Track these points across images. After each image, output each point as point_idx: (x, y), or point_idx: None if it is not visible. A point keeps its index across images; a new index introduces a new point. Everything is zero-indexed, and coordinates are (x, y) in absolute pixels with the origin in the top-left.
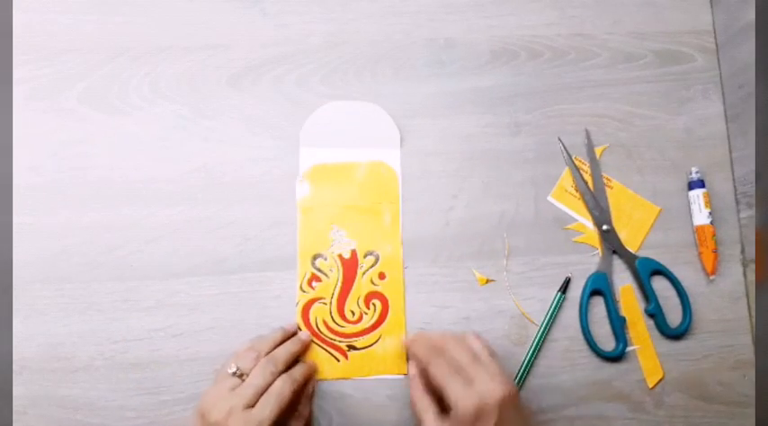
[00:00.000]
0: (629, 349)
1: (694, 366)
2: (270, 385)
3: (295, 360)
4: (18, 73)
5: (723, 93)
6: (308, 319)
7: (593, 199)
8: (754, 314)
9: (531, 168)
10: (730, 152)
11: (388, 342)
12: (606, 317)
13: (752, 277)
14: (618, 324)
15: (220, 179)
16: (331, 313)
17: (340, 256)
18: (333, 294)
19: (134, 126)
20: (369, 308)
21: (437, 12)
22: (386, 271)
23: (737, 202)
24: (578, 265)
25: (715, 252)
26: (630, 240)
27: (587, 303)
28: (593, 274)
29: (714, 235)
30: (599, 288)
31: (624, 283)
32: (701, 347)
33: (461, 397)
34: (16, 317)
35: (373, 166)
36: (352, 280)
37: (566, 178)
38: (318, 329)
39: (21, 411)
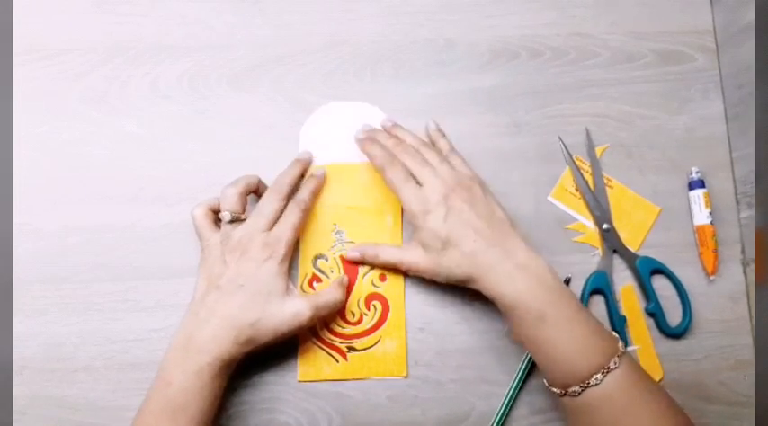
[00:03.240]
0: (629, 348)
1: (694, 366)
2: (281, 210)
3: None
4: (18, 73)
5: (723, 93)
6: None
7: (594, 198)
8: (754, 314)
9: (532, 168)
10: (730, 152)
11: (389, 344)
12: (606, 317)
13: (752, 277)
14: (618, 324)
15: (220, 179)
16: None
17: (341, 257)
18: None
19: (134, 126)
20: (369, 310)
21: (437, 12)
22: (387, 273)
23: (738, 202)
24: (579, 265)
25: (715, 252)
26: (631, 240)
27: (587, 302)
28: (593, 274)
29: (714, 235)
30: (599, 287)
31: (624, 283)
32: (701, 347)
33: (408, 201)
34: (16, 317)
35: (374, 167)
36: (353, 281)
37: (566, 178)
38: (318, 330)
39: (21, 411)
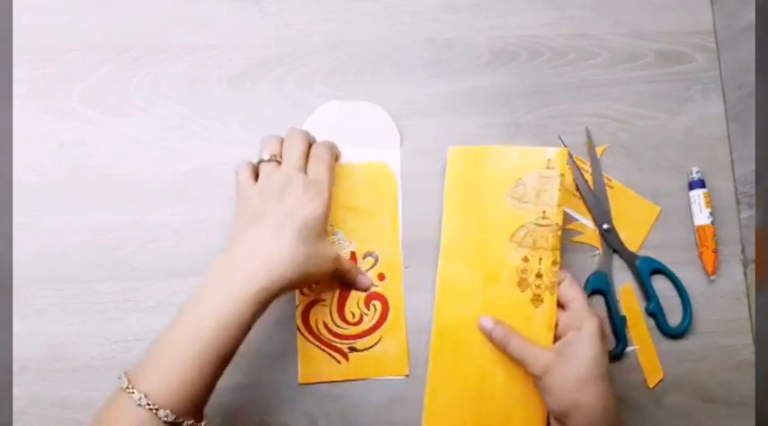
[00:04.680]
0: (629, 349)
1: (694, 366)
2: (307, 151)
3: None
4: (18, 73)
5: (723, 93)
6: (309, 321)
7: (594, 198)
8: (754, 314)
9: None
10: (731, 152)
11: (389, 344)
12: (606, 317)
13: (752, 277)
14: (618, 324)
15: (220, 179)
16: (331, 314)
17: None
18: (333, 295)
19: (134, 126)
20: (369, 309)
21: (437, 12)
22: (385, 272)
23: (738, 202)
24: (578, 265)
25: (715, 252)
26: (631, 240)
27: None
28: (593, 274)
29: (714, 235)
30: (599, 287)
31: (624, 283)
32: (702, 347)
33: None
34: (16, 317)
35: (372, 167)
36: None
37: (566, 178)
38: (319, 331)
39: (21, 411)
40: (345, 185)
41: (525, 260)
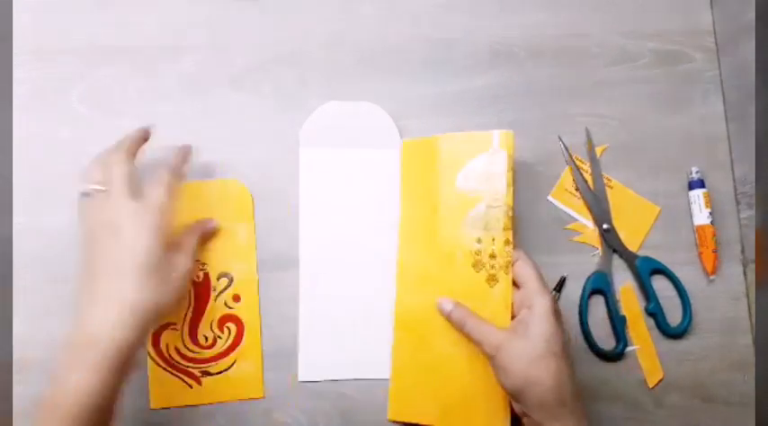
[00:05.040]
0: (629, 349)
1: (694, 366)
2: (136, 175)
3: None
4: (18, 73)
5: (723, 93)
6: (159, 346)
7: (594, 198)
8: (753, 314)
9: (531, 168)
10: (730, 152)
11: (244, 366)
12: (606, 317)
13: (752, 277)
14: (618, 324)
15: (220, 178)
16: (183, 338)
17: (191, 279)
18: (184, 319)
19: (134, 126)
20: (223, 332)
21: (437, 12)
22: (240, 293)
23: (738, 202)
24: (578, 265)
25: (715, 252)
26: (631, 239)
27: (587, 302)
28: (593, 274)
29: (714, 235)
30: (599, 287)
31: (624, 283)
32: (701, 347)
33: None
34: (16, 317)
35: (224, 184)
36: (205, 304)
37: (566, 177)
38: (170, 356)
39: (21, 411)
40: (197, 204)
41: (479, 241)
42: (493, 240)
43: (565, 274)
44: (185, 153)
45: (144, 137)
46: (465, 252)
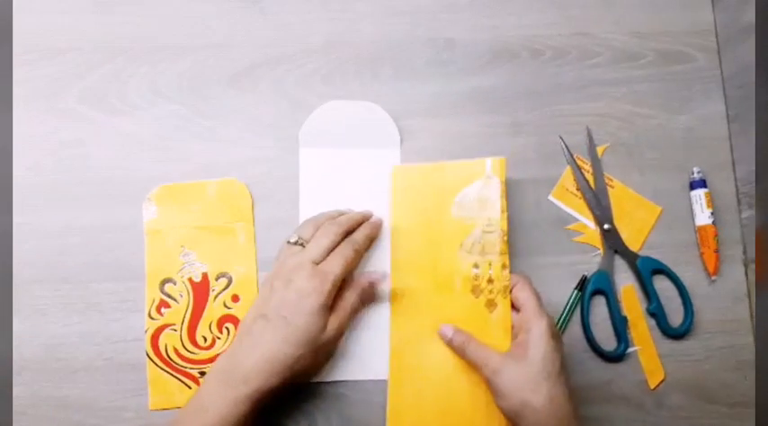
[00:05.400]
0: (630, 349)
1: (695, 366)
2: (335, 245)
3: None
4: (18, 73)
5: (724, 93)
6: (158, 347)
7: (595, 198)
8: (755, 314)
9: (532, 167)
10: (732, 152)
11: None
12: (608, 317)
13: (753, 277)
14: (619, 324)
15: (220, 179)
16: (182, 339)
17: (190, 280)
18: (183, 320)
19: (134, 126)
20: (222, 333)
21: (437, 12)
22: (239, 293)
23: (739, 202)
24: (579, 265)
25: (717, 252)
26: (632, 240)
27: (589, 303)
28: (594, 274)
29: (716, 236)
30: (600, 287)
31: (626, 283)
32: (703, 347)
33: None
34: (16, 317)
35: (224, 185)
36: (204, 304)
37: (567, 177)
38: (169, 357)
39: (21, 411)
40: (196, 205)
41: (476, 266)
42: (490, 265)
43: (585, 273)
44: (374, 230)
45: (365, 223)
46: (463, 278)
